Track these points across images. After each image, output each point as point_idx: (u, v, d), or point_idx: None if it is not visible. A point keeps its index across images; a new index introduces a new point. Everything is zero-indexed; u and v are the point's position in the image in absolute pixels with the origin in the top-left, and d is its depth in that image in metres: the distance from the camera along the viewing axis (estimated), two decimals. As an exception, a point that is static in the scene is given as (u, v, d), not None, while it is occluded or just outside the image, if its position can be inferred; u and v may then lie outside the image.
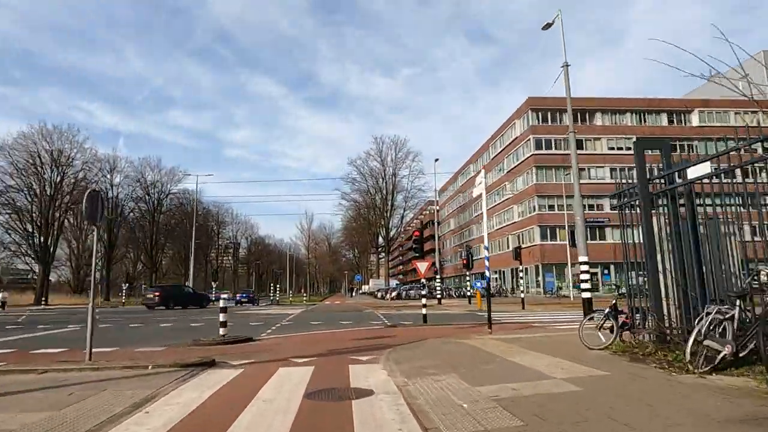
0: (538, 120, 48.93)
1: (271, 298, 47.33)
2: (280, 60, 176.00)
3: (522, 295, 22.78)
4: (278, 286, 51.16)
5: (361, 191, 67.70)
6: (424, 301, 15.44)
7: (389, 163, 65.57)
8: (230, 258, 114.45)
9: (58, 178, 53.26)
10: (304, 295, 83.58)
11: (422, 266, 14.92)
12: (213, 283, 47.96)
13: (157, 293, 31.27)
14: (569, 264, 39.89)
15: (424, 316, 15.36)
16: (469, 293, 32.41)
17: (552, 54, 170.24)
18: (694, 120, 49.93)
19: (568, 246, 40.75)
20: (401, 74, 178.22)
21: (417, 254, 14.98)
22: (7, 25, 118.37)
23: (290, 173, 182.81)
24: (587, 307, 12.39)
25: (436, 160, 38.60)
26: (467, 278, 33.87)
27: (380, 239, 70.91)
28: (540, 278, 46.88)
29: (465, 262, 30.83)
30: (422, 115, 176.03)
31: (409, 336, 11.63)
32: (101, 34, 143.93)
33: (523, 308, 22.63)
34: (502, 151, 56.14)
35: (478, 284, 22.28)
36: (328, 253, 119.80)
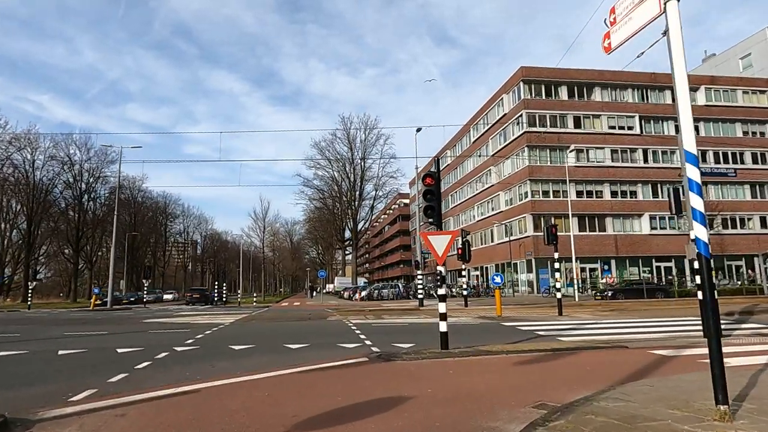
0: (531, 93, 42.64)
1: (217, 298, 39.33)
2: (243, 56, 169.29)
3: (558, 295, 15.90)
4: (224, 284, 43.08)
5: (326, 178, 60.05)
6: (442, 307, 8.25)
7: (358, 146, 58.15)
8: (181, 255, 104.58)
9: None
10: (255, 295, 75.10)
11: (440, 242, 7.71)
12: (144, 281, 39.50)
13: None
14: (574, 258, 33.61)
15: (444, 336, 8.19)
16: (465, 292, 25.56)
17: (514, 57, 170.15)
18: (700, 98, 44.74)
19: (572, 237, 34.47)
20: (365, 74, 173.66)
21: (430, 221, 7.67)
22: None
23: (251, 171, 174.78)
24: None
25: (418, 129, 31.64)
26: (462, 273, 26.99)
27: (347, 233, 63.36)
28: (533, 275, 40.57)
29: (460, 252, 23.95)
30: (387, 114, 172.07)
31: (461, 408, 4.43)
32: (51, 23, 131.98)
33: (561, 313, 15.77)
34: (486, 131, 49.67)
35: (497, 280, 15.08)
36: (290, 251, 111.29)
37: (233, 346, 9.33)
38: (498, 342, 9.44)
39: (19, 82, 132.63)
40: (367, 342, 9.86)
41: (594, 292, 34.71)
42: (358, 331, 11.92)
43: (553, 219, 41.21)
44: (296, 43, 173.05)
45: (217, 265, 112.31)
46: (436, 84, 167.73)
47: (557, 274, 15.60)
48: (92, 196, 56.93)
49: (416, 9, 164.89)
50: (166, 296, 58.23)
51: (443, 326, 8.11)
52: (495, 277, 14.39)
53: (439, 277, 8.25)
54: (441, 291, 8.22)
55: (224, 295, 39.73)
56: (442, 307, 8.21)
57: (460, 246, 24.09)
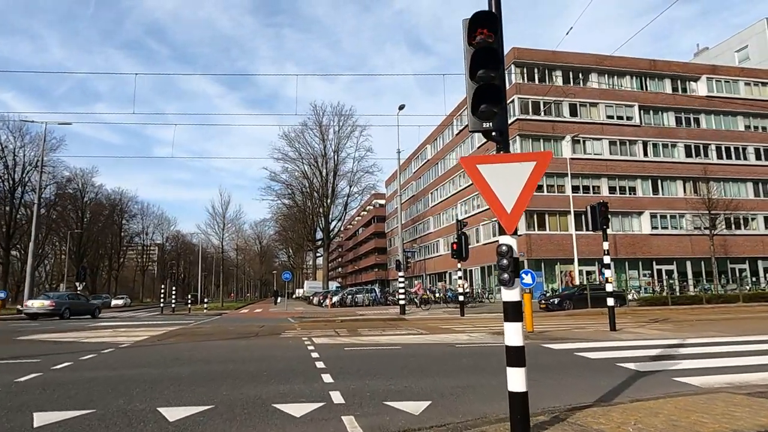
0: (524, 77, 38.55)
1: (162, 305, 33.70)
2: (217, 58, 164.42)
3: (611, 302, 11.24)
4: (174, 289, 37.46)
5: (295, 173, 54.75)
6: (513, 334, 3.46)
7: (331, 137, 53.12)
8: (139, 258, 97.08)
9: None
10: (206, 301, 69.01)
11: (509, 176, 3.14)
12: (77, 284, 33.62)
13: None
14: (576, 260, 29.46)
15: (521, 403, 3.36)
16: (461, 298, 20.96)
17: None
18: (701, 89, 41.48)
19: (574, 236, 30.34)
20: (341, 79, 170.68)
21: (487, 127, 2.68)
22: None
23: (223, 174, 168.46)
24: None
25: (401, 107, 26.92)
26: (456, 272, 22.49)
27: (318, 233, 58.07)
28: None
29: (455, 247, 19.34)
30: (362, 120, 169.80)
31: None
32: (17, 19, 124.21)
33: (614, 328, 11.12)
34: (471, 121, 45.35)
35: (527, 279, 10.15)
36: (258, 253, 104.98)
37: (41, 416, 4.35)
38: (586, 391, 4.77)
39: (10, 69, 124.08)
40: (335, 394, 5.06)
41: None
42: (320, 364, 7.07)
43: (547, 217, 37.22)
44: (272, 46, 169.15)
45: (182, 268, 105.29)
46: (413, 91, 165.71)
47: (607, 273, 10.99)
48: (29, 188, 50.22)
49: (393, 16, 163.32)
50: (115, 302, 52.01)
51: (517, 382, 3.33)
52: (524, 275, 9.88)
53: (505, 260, 3.50)
54: (510, 293, 3.48)
55: (172, 303, 34.08)
56: (513, 334, 3.44)
57: (455, 240, 19.48)
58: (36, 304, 23.17)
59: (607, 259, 10.96)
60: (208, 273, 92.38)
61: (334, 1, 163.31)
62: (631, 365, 6.80)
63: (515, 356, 3.44)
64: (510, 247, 3.50)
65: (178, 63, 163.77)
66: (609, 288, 11.02)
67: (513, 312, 3.47)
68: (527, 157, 3.56)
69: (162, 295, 33.55)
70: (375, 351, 8.74)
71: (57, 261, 72.51)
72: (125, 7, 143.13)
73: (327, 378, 6.07)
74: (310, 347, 9.27)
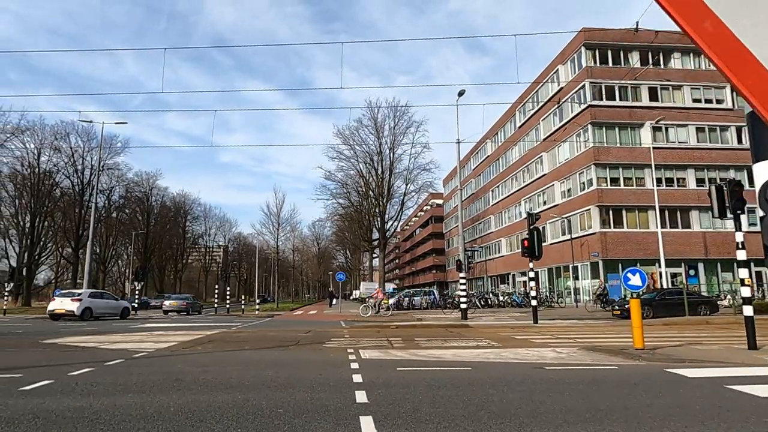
0: (595, 60, 35.06)
1: (216, 306, 33.11)
2: (276, 66, 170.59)
3: (748, 311, 8.54)
4: (228, 290, 36.89)
5: (350, 172, 53.30)
6: None
7: (386, 134, 51.27)
8: (202, 259, 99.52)
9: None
10: (257, 302, 68.92)
11: None
12: (134, 284, 33.65)
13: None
14: (663, 261, 25.94)
15: None
16: (534, 302, 18.34)
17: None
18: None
19: (660, 234, 26.83)
20: (397, 82, 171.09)
21: None
22: (3, 26, 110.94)
23: (284, 179, 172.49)
24: None
25: (461, 93, 24.56)
26: (528, 273, 20.06)
27: (375, 233, 56.29)
28: (599, 282, 32.83)
29: (526, 244, 16.87)
30: (418, 116, 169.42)
31: None
32: (95, 38, 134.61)
33: (754, 345, 8.41)
34: (536, 112, 42.21)
35: (635, 280, 7.67)
36: (316, 255, 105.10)
37: None
38: None
39: (67, 94, 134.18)
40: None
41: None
42: (361, 396, 5.10)
43: (624, 213, 33.58)
44: (328, 52, 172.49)
45: (243, 269, 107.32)
46: (469, 92, 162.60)
47: (742, 273, 8.27)
48: (97, 190, 51.83)
49: (447, 17, 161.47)
50: (166, 302, 52.73)
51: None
52: (630, 274, 7.48)
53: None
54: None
55: (227, 303, 33.40)
56: None
57: (526, 237, 16.98)
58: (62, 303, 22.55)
59: (741, 255, 8.25)
60: (268, 274, 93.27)
61: (388, 6, 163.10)
62: None
63: None
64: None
65: (240, 72, 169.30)
66: (746, 292, 8.30)
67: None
68: None
69: (216, 296, 32.93)
70: (438, 374, 6.64)
71: (127, 261, 75.40)
72: (192, 21, 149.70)
73: (367, 423, 4.08)
74: (354, 365, 7.31)
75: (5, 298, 31.41)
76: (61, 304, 22.42)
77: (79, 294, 23.22)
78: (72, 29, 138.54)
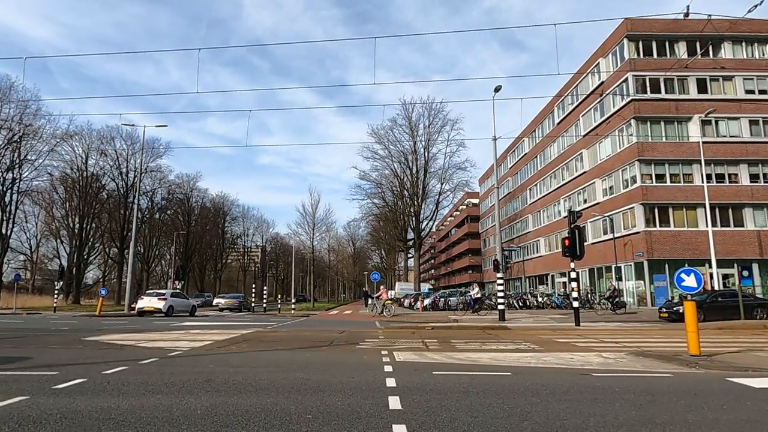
0: (639, 52, 33.62)
1: (254, 304, 33.55)
2: (312, 69, 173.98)
3: None
4: (265, 289, 37.32)
5: (385, 172, 53.14)
6: None
7: (421, 132, 50.85)
8: (241, 259, 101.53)
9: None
10: (294, 301, 69.43)
11: None
12: (176, 282, 34.50)
13: None
14: (714, 262, 24.55)
15: None
16: (575, 303, 17.56)
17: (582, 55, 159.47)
18: None
19: (710, 233, 25.44)
20: (432, 81, 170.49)
21: None
22: (51, 36, 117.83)
23: (321, 180, 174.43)
24: None
25: (497, 88, 23.93)
26: (569, 273, 19.33)
27: (410, 233, 55.89)
28: (643, 283, 31.50)
29: (567, 243, 16.23)
30: (453, 113, 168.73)
31: None
32: (142, 45, 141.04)
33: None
34: (576, 107, 40.92)
35: (689, 281, 7.03)
36: (352, 255, 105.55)
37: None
38: None
39: (115, 99, 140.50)
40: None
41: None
42: (395, 402, 4.84)
43: (671, 210, 32.08)
44: (364, 53, 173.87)
45: (280, 269, 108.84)
46: (505, 89, 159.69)
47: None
48: (139, 192, 53.56)
49: (482, 14, 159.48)
50: (221, 301, 54.29)
51: None
52: (684, 275, 6.92)
53: None
54: None
55: (264, 302, 33.80)
56: None
57: (567, 236, 16.32)
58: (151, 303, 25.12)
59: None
60: (305, 273, 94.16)
61: (424, 5, 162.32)
62: None
63: None
64: None
65: (278, 76, 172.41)
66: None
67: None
68: None
69: (253, 295, 33.36)
70: (476, 379, 6.29)
71: (170, 261, 77.62)
72: (231, 27, 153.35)
73: (399, 428, 3.80)
74: (388, 368, 7.06)
75: (56, 295, 32.79)
76: (149, 302, 24.89)
77: (164, 294, 25.80)
78: (120, 38, 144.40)
